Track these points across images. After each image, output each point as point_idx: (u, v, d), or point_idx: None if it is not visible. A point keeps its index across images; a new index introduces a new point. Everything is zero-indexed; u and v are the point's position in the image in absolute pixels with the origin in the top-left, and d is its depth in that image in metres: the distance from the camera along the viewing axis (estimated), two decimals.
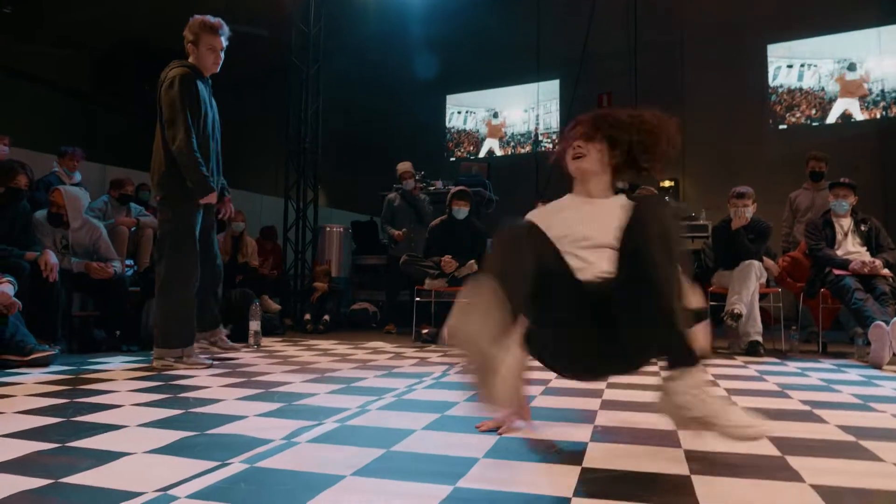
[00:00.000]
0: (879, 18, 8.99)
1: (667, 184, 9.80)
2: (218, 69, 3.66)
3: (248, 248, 6.27)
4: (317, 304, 6.30)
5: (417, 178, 7.73)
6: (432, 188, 7.43)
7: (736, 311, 4.36)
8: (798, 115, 9.52)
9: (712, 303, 4.85)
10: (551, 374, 3.28)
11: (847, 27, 9.20)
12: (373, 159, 11.14)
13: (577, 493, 1.42)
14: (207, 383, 2.94)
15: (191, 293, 3.53)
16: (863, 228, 4.72)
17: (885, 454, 1.78)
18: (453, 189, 5.55)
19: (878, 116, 8.95)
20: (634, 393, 2.81)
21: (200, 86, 3.55)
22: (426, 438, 1.93)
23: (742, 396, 2.73)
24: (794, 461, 1.70)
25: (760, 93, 9.78)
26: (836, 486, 1.49)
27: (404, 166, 6.61)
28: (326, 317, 6.13)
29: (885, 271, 4.40)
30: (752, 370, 3.67)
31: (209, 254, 3.80)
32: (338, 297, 6.48)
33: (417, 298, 5.21)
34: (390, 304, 6.63)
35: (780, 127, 9.59)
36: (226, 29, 3.61)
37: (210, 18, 3.55)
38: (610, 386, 2.97)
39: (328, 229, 7.56)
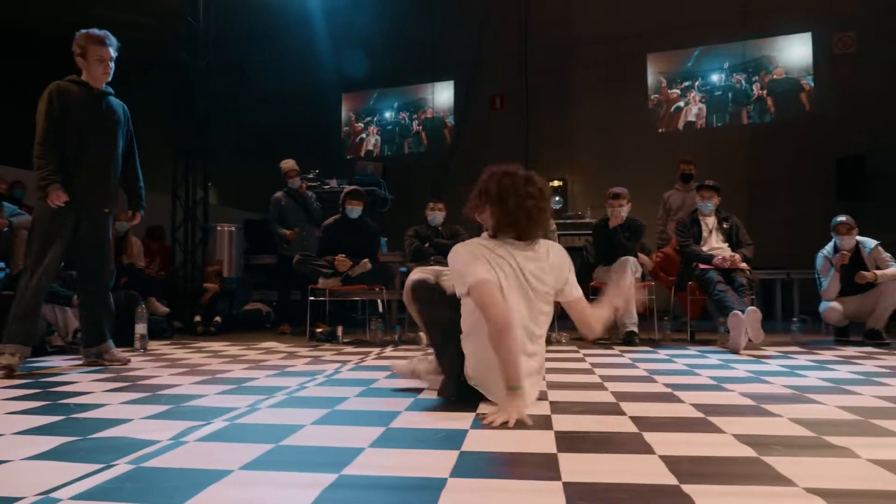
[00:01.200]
0: (746, 32, 9.82)
1: (556, 183, 10.24)
2: (109, 78, 3.71)
3: (132, 248, 6.03)
4: (208, 305, 6.16)
5: (311, 176, 7.70)
6: (327, 187, 7.41)
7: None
8: (673, 120, 10.21)
9: (592, 297, 5.16)
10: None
11: (721, 39, 9.97)
12: (266, 157, 10.91)
13: (453, 474, 1.54)
14: (90, 388, 2.86)
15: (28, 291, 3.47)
16: (725, 226, 5.17)
17: (726, 427, 2.01)
18: (347, 188, 5.58)
19: (746, 122, 9.75)
20: None
21: (83, 97, 3.60)
22: (315, 432, 2.00)
23: (614, 382, 2.96)
24: (649, 436, 1.90)
25: (642, 99, 10.39)
26: (679, 455, 1.69)
27: (288, 164, 6.55)
28: (218, 318, 6.00)
29: (744, 265, 4.85)
30: (626, 358, 3.96)
31: (102, 266, 3.77)
32: (229, 298, 6.36)
33: (311, 298, 5.22)
34: (283, 304, 6.57)
35: (659, 131, 10.24)
36: (113, 40, 3.66)
37: (95, 31, 3.61)
38: None
39: (219, 228, 7.38)
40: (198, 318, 6.00)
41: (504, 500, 1.38)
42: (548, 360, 3.84)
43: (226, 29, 8.47)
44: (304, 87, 11.68)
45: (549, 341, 4.84)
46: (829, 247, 5.13)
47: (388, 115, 12.16)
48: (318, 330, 5.24)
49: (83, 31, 3.62)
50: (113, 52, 3.66)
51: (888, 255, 4.95)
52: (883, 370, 3.39)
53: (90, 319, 3.78)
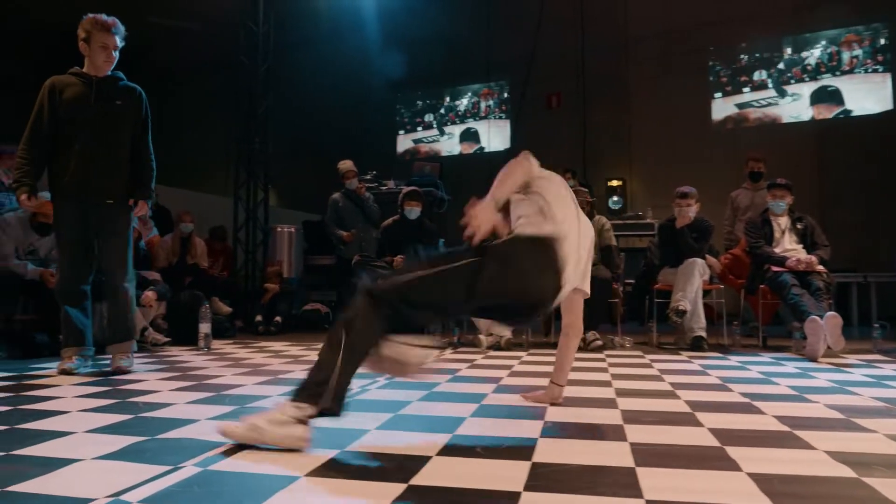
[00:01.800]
0: (816, 24, 9.39)
1: (614, 183, 10.03)
2: (111, 67, 3.55)
3: (196, 249, 6.16)
4: (268, 305, 6.24)
5: (369, 177, 7.73)
6: (384, 188, 7.43)
7: (681, 307, 4.51)
8: (740, 116, 9.86)
9: (658, 300, 5.00)
10: (500, 374, 3.35)
11: (788, 31, 9.58)
12: (324, 158, 11.04)
13: (527, 487, 1.46)
14: (157, 387, 2.90)
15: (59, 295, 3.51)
16: (799, 227, 4.92)
17: (816, 443, 1.88)
18: (405, 189, 5.56)
19: (816, 118, 9.33)
20: (582, 389, 2.88)
21: (79, 87, 3.49)
22: (381, 438, 1.96)
23: (686, 390, 2.83)
24: (733, 451, 1.78)
25: (702, 94, 10.07)
26: (769, 473, 1.58)
27: (346, 165, 6.60)
28: (278, 318, 6.07)
29: (820, 267, 4.60)
30: (696, 365, 3.80)
31: (113, 262, 3.55)
32: (289, 298, 6.43)
33: None
34: (342, 304, 6.60)
35: (724, 127, 9.90)
36: (121, 28, 3.52)
37: (104, 17, 3.48)
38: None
39: (279, 229, 7.48)
40: (259, 318, 6.08)
41: None
42: (613, 365, 3.75)
43: (284, 34, 8.60)
44: (359, 89, 11.77)
45: (612, 346, 4.72)
46: None
47: (443, 115, 12.14)
48: None
49: (91, 15, 3.48)
50: (119, 41, 3.52)
51: None
52: None
53: (106, 316, 3.72)
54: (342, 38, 11.51)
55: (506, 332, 4.67)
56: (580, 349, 4.63)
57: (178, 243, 6.06)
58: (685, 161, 9.61)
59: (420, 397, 2.64)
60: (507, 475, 1.56)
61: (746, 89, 9.83)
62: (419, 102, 12.36)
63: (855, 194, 8.66)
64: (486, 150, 11.66)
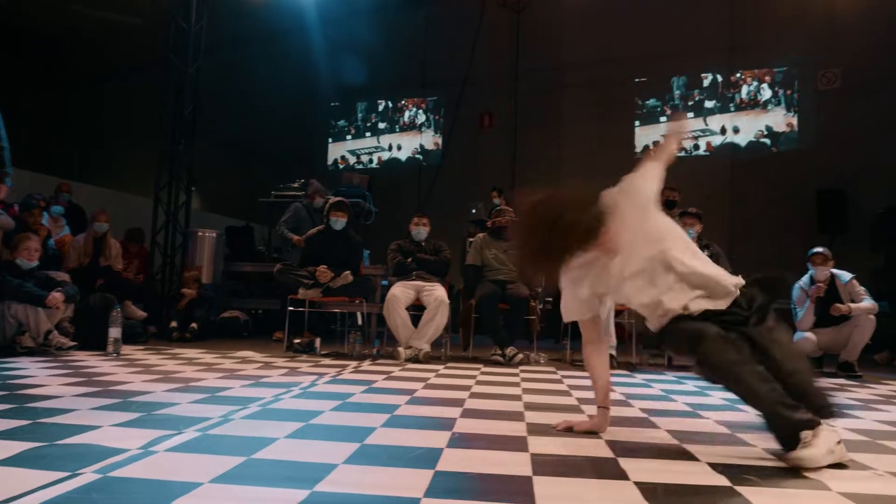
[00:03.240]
0: (734, 63, 9.99)
1: None
2: None
3: (111, 250, 5.94)
4: (184, 311, 6.07)
5: (296, 185, 7.68)
6: (305, 202, 7.39)
7: None
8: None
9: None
10: (415, 386, 3.41)
11: (709, 68, 10.14)
12: (253, 164, 10.90)
13: (426, 494, 1.52)
14: (58, 392, 2.80)
15: None
16: (706, 253, 5.20)
17: (701, 455, 2.02)
18: (331, 200, 5.57)
19: (729, 154, 9.89)
20: (493, 403, 2.97)
21: None
22: (289, 446, 1.97)
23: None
24: (625, 462, 1.89)
25: (628, 124, 10.52)
26: (655, 482, 1.69)
27: (318, 185, 6.78)
28: (194, 325, 5.92)
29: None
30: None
31: None
32: (207, 305, 6.28)
33: (290, 308, 5.17)
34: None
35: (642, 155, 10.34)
36: None
37: None
38: (472, 396, 3.12)
39: (199, 234, 7.31)
40: (174, 324, 5.91)
41: None
42: (526, 380, 3.86)
43: (217, 34, 8.45)
44: (293, 95, 11.67)
45: (527, 361, 4.86)
46: (805, 278, 5.19)
47: (376, 127, 12.17)
48: (297, 341, 5.18)
49: None
50: None
51: (863, 288, 5.02)
52: (855, 402, 3.42)
53: None
54: (278, 41, 11.42)
55: (424, 346, 4.73)
56: (500, 364, 4.76)
57: (90, 243, 5.84)
58: (608, 186, 9.97)
59: (332, 408, 2.66)
60: (410, 483, 1.61)
61: (666, 119, 10.32)
62: (353, 113, 12.35)
63: (764, 227, 9.20)
64: (417, 164, 11.75)
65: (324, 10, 10.29)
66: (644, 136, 10.46)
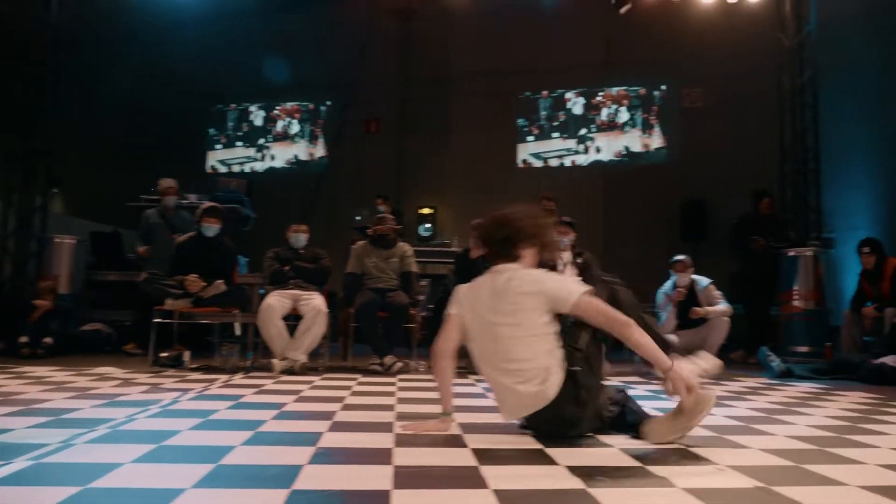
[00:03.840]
0: (608, 80, 10.51)
1: (426, 211, 10.35)
2: None
3: None
4: (37, 324, 5.58)
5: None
6: (185, 202, 7.04)
7: None
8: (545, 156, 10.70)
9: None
10: (286, 399, 3.30)
11: (587, 84, 10.60)
12: (124, 166, 10.23)
13: None
14: None
15: None
16: (578, 261, 5.42)
17: (560, 459, 2.07)
18: (204, 205, 5.31)
19: (605, 164, 10.39)
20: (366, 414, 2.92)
21: None
22: (133, 472, 1.83)
23: (464, 413, 2.97)
24: (486, 469, 1.90)
25: (511, 134, 10.80)
26: (513, 489, 1.71)
27: (166, 183, 6.27)
28: (48, 339, 5.45)
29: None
30: (480, 388, 4.01)
31: None
32: (64, 317, 5.81)
33: (157, 320, 4.88)
34: (137, 323, 6.14)
35: (523, 166, 10.67)
36: None
37: None
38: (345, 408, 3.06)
39: (57, 240, 6.76)
40: (24, 339, 5.41)
41: None
42: (403, 389, 3.84)
43: (86, 26, 7.89)
44: (171, 95, 11.07)
45: (407, 369, 4.84)
46: (668, 284, 5.52)
47: (258, 129, 11.80)
48: (163, 355, 4.90)
49: None
50: None
51: (719, 293, 5.40)
52: None
53: None
54: (155, 39, 10.83)
55: (301, 357, 4.60)
56: (379, 373, 4.71)
57: None
58: (493, 194, 10.19)
59: (192, 426, 2.51)
60: None
61: (550, 133, 10.70)
62: (233, 115, 11.90)
63: (634, 235, 9.71)
64: (301, 170, 11.50)
65: (204, 8, 9.86)
66: (528, 147, 10.77)
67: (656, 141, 10.30)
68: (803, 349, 6.29)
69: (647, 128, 10.37)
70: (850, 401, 3.77)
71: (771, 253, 6.74)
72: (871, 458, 2.20)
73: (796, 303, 6.42)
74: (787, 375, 5.09)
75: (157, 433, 2.35)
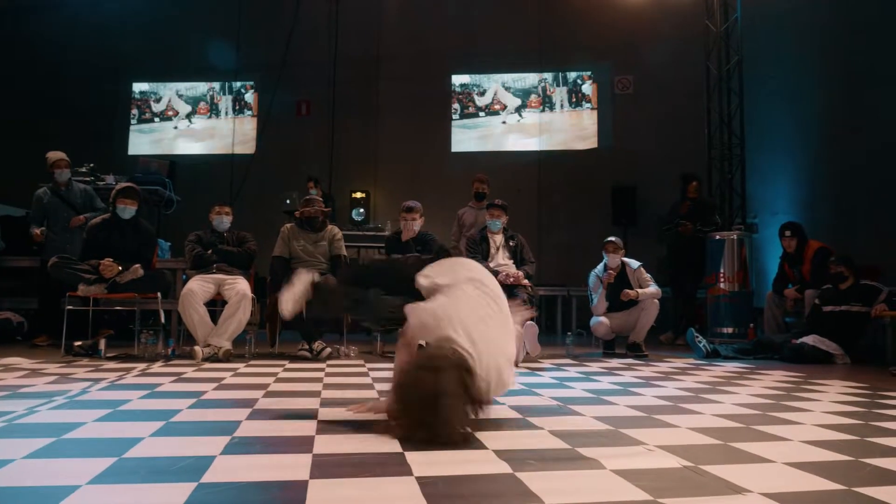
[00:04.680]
0: (541, 66, 10.52)
1: (359, 195, 10.16)
2: None
3: None
4: None
5: (84, 170, 6.89)
6: (101, 184, 6.65)
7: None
8: (476, 139, 10.65)
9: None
10: (206, 387, 3.13)
11: (519, 69, 10.58)
12: (38, 145, 9.60)
13: None
14: None
15: None
16: (511, 244, 5.39)
17: (489, 442, 2.00)
18: (119, 185, 5.01)
19: (539, 149, 10.43)
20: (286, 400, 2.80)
21: None
22: (23, 469, 1.67)
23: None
24: (411, 456, 1.82)
25: (444, 117, 10.70)
26: (436, 475, 1.63)
27: (55, 155, 5.84)
28: None
29: (525, 281, 5.08)
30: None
31: None
32: None
33: (69, 307, 4.59)
34: (44, 312, 5.77)
35: (458, 150, 10.60)
36: None
37: None
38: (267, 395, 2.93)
39: None
40: None
41: None
42: (331, 374, 3.72)
43: None
44: (89, 71, 10.51)
45: (337, 355, 4.72)
46: (600, 266, 5.56)
47: (182, 109, 11.30)
48: (77, 344, 4.61)
49: None
50: None
51: (649, 275, 5.47)
52: (638, 381, 3.68)
53: None
54: (73, 13, 10.22)
55: (225, 343, 4.41)
56: (308, 359, 4.56)
57: None
58: (426, 178, 10.10)
59: (98, 418, 2.33)
60: (163, 500, 1.41)
61: (482, 116, 10.65)
62: (157, 94, 11.36)
63: (566, 219, 9.81)
64: (229, 152, 11.09)
65: None
66: (462, 130, 10.70)
67: (588, 127, 10.40)
68: (728, 330, 6.47)
69: (579, 114, 10.46)
70: (773, 379, 3.87)
71: (698, 237, 6.89)
72: (796, 434, 2.23)
73: (722, 285, 6.59)
74: (713, 356, 5.22)
75: (57, 426, 2.17)
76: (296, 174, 9.31)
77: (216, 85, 11.28)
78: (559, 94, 10.55)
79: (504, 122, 10.62)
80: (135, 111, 11.26)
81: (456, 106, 10.76)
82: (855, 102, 7.35)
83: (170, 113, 11.29)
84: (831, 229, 6.96)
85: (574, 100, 10.51)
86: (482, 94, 10.73)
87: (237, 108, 11.24)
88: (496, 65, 10.63)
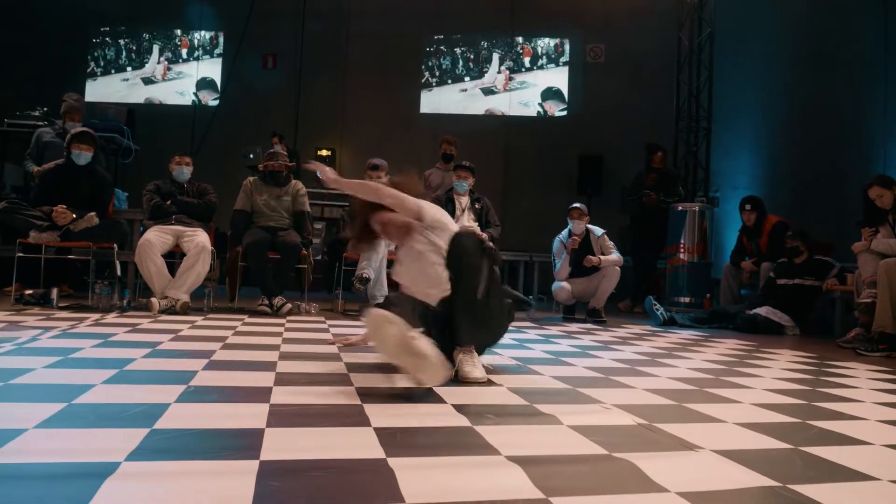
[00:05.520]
0: (512, 29, 10.40)
1: (324, 153, 10.00)
2: None
3: None
4: None
5: (37, 114, 6.62)
6: (55, 128, 6.38)
7: (364, 275, 4.64)
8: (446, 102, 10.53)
9: (346, 268, 5.08)
10: (162, 338, 3.08)
11: (490, 32, 10.45)
12: None
13: (129, 457, 1.30)
14: None
15: None
16: (477, 206, 5.39)
17: (448, 398, 2.00)
18: (75, 130, 4.82)
19: (505, 114, 10.37)
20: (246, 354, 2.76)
21: None
22: None
23: (352, 353, 2.87)
24: (370, 408, 1.81)
25: (414, 78, 10.54)
26: (395, 427, 1.63)
27: (75, 97, 5.85)
28: None
29: (490, 244, 5.07)
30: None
31: None
32: None
33: (20, 254, 4.43)
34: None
35: (427, 112, 10.48)
36: None
37: None
38: (225, 347, 2.88)
39: None
40: None
41: (180, 488, 1.18)
42: (290, 329, 3.69)
43: None
44: (50, 12, 10.02)
45: (297, 311, 4.68)
46: (564, 232, 5.60)
47: (144, 58, 10.90)
48: (28, 292, 4.47)
49: None
50: None
51: (612, 243, 5.53)
52: (597, 344, 3.74)
53: None
54: None
55: (183, 296, 4.32)
56: (268, 314, 4.52)
57: None
58: (393, 139, 9.97)
59: (47, 364, 2.27)
60: (114, 445, 1.37)
61: (452, 79, 10.52)
62: (118, 41, 10.92)
63: (532, 185, 9.82)
64: (192, 102, 10.76)
65: None
66: (431, 91, 10.57)
67: (557, 94, 10.37)
68: (685, 300, 6.61)
69: (548, 80, 10.41)
70: (726, 347, 3.97)
71: (661, 207, 6.97)
72: (746, 397, 2.29)
73: (682, 256, 6.70)
74: (670, 324, 5.32)
75: (4, 371, 2.10)
76: (260, 129, 9.10)
77: (180, 33, 10.89)
78: (529, 60, 10.47)
79: (474, 85, 10.51)
80: (95, 59, 10.82)
81: (425, 67, 10.61)
82: (821, 83, 7.46)
83: (131, 60, 10.88)
84: (789, 206, 7.10)
85: (543, 65, 10.44)
86: (452, 55, 10.59)
87: (200, 57, 10.89)
88: (467, 26, 10.48)
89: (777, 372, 2.98)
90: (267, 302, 4.62)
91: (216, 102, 10.52)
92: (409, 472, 1.29)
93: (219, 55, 10.87)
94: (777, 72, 8.26)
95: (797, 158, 7.73)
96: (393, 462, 1.35)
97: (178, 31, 10.89)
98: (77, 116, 5.75)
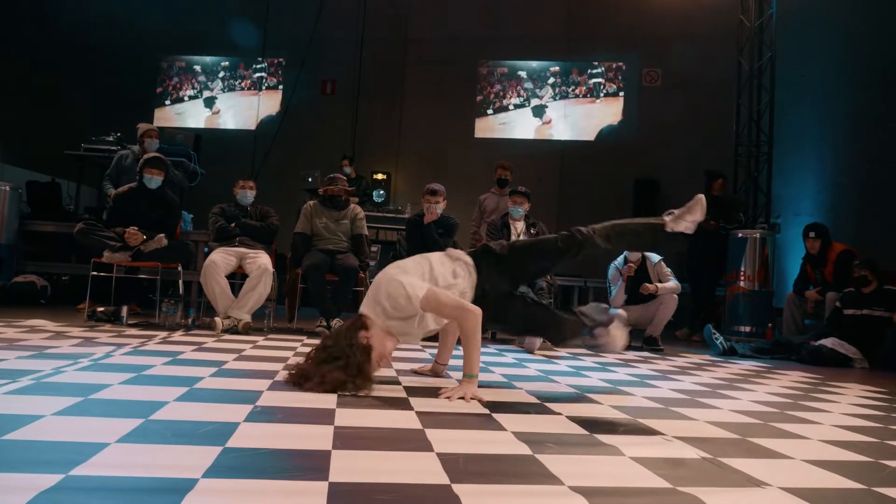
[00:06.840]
0: (568, 54, 10.44)
1: (380, 177, 10.19)
2: None
3: None
4: None
5: (111, 139, 6.97)
6: (134, 151, 6.71)
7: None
8: (501, 126, 10.61)
9: None
10: (226, 357, 3.17)
11: (546, 57, 10.51)
12: (65, 114, 9.73)
13: (206, 474, 1.36)
14: None
15: None
16: (532, 231, 5.38)
17: (508, 424, 2.02)
18: (147, 155, 5.06)
19: (563, 139, 10.37)
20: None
21: None
22: (55, 425, 1.71)
23: (407, 377, 2.91)
24: (431, 433, 1.84)
25: (470, 102, 10.67)
26: (457, 453, 1.65)
27: (147, 126, 6.11)
28: None
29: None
30: (426, 353, 3.96)
31: None
32: None
33: (94, 273, 4.65)
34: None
35: (481, 137, 10.57)
36: None
37: None
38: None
39: None
40: None
41: None
42: None
43: None
44: (121, 42, 10.57)
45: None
46: (619, 258, 5.54)
47: (210, 84, 11.36)
48: (100, 309, 4.68)
49: None
50: None
51: (669, 270, 5.45)
52: (655, 373, 3.68)
53: None
54: None
55: (245, 316, 4.45)
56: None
57: None
58: (448, 163, 10.10)
59: (123, 381, 2.38)
60: (191, 462, 1.44)
61: (508, 104, 10.60)
62: (184, 69, 11.42)
63: (587, 210, 9.75)
64: (253, 127, 11.14)
65: None
66: (486, 117, 10.67)
67: (614, 119, 10.32)
68: (746, 329, 6.43)
69: (605, 105, 10.38)
70: (790, 379, 3.86)
71: (720, 234, 6.84)
72: (814, 433, 2.22)
73: (742, 283, 6.54)
74: (730, 353, 5.19)
75: (84, 386, 2.22)
76: (318, 152, 9.36)
77: (244, 61, 11.32)
78: (585, 84, 10.47)
79: (529, 111, 10.56)
80: (164, 86, 11.33)
81: (480, 92, 10.72)
82: (887, 106, 7.23)
83: (196, 88, 11.35)
84: (854, 233, 6.87)
85: (600, 91, 10.42)
86: (508, 80, 10.68)
87: (262, 83, 11.27)
88: (523, 52, 10.57)
89: (845, 407, 2.88)
90: (325, 323, 4.72)
91: (276, 127, 10.86)
92: (474, 499, 1.31)
93: (279, 82, 11.23)
94: (840, 94, 8.05)
95: (863, 185, 7.48)
96: (458, 489, 1.37)
97: (241, 59, 11.31)
98: (154, 133, 6.02)
